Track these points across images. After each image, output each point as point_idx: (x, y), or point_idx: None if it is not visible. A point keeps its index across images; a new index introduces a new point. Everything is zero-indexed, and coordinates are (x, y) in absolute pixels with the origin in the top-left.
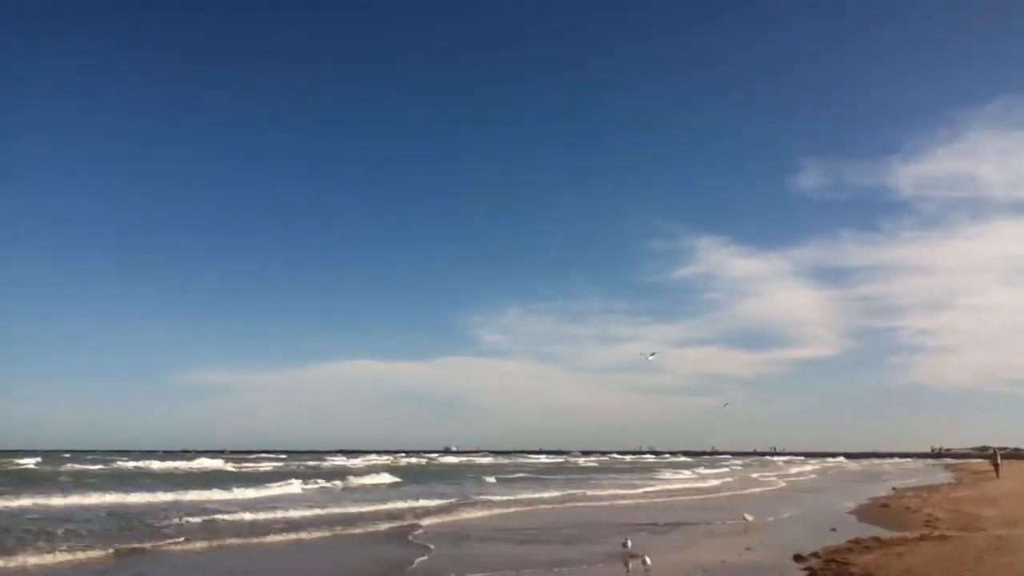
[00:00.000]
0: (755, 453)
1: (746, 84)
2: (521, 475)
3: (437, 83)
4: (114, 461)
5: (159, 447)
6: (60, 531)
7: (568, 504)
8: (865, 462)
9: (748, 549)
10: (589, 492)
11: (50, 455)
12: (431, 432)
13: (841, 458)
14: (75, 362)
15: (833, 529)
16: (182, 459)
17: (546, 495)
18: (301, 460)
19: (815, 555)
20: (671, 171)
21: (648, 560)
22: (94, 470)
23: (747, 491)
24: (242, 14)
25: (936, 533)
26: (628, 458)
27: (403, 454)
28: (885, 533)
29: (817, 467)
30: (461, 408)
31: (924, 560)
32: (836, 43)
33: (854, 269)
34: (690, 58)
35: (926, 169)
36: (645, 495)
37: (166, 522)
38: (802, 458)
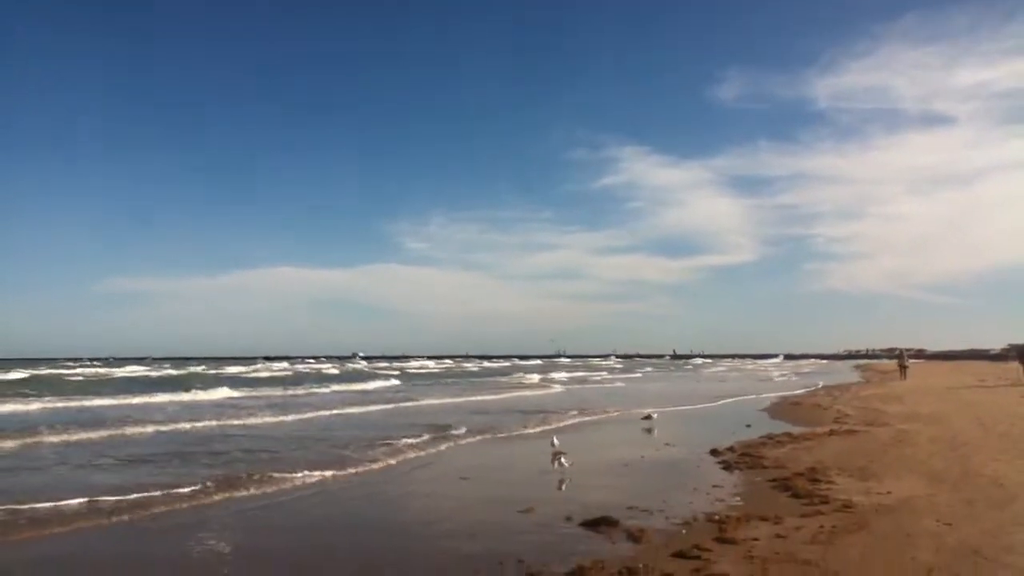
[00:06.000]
0: (675, 356)
1: None
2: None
3: None
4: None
5: (79, 354)
6: None
7: None
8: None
9: (667, 444)
10: None
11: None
12: (356, 338)
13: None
14: None
15: (748, 425)
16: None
17: None
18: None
19: (730, 449)
20: (594, 81)
21: (566, 461)
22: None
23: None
24: None
25: (844, 428)
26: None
27: (313, 360)
28: (796, 429)
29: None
30: (384, 315)
31: (832, 452)
32: None
33: (772, 178)
34: None
35: (842, 81)
36: None
37: None
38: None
